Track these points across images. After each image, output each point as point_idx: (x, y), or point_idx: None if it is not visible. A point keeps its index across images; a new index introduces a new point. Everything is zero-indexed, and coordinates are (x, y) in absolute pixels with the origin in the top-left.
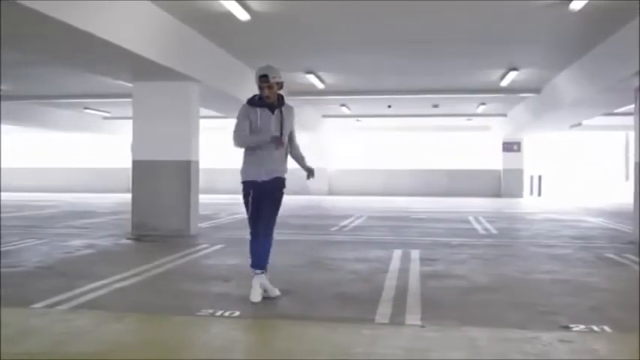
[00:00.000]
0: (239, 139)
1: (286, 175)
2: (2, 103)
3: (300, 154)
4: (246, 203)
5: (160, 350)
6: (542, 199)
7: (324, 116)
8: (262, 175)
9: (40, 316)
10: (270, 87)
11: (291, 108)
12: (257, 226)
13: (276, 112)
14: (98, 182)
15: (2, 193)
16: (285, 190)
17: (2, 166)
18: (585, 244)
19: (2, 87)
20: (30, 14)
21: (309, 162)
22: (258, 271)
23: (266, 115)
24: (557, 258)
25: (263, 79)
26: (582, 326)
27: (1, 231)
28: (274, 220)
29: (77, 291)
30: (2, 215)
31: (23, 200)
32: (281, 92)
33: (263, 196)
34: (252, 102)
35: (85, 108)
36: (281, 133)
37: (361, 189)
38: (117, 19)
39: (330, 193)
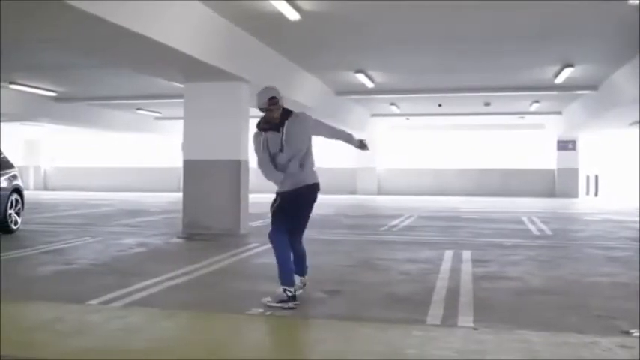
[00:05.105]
0: (269, 176)
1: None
2: (59, 105)
3: (342, 132)
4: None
5: (210, 348)
6: (598, 200)
7: (374, 115)
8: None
9: (95, 313)
10: (277, 108)
11: (302, 118)
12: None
13: (281, 129)
14: (150, 181)
15: (59, 192)
16: (330, 189)
17: (59, 166)
18: None
19: (58, 89)
20: (84, 17)
21: (361, 162)
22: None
23: (275, 138)
24: (615, 260)
25: (272, 100)
26: None
27: (57, 229)
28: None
29: (130, 288)
30: (59, 214)
31: (79, 199)
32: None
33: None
34: (261, 127)
35: (138, 108)
36: (281, 149)
37: (411, 189)
38: (169, 20)
39: (380, 192)
